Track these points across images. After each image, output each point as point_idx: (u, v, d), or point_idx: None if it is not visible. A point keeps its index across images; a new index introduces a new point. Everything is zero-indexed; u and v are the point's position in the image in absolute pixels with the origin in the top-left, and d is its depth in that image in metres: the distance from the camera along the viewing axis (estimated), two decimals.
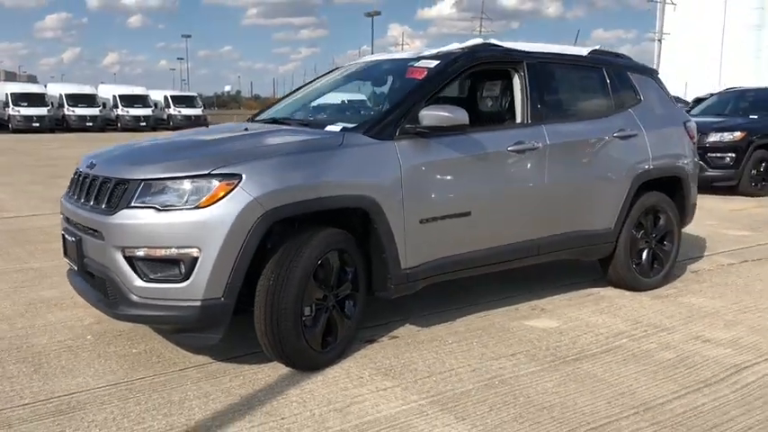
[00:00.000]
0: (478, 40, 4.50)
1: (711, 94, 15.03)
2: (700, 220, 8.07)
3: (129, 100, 38.00)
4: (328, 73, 5.19)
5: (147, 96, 39.15)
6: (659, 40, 52.17)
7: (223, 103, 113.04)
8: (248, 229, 3.25)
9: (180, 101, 40.80)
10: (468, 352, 3.85)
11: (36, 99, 34.09)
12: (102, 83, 46.26)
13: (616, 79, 4.99)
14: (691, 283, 5.39)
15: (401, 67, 4.43)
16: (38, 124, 32.99)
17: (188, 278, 3.23)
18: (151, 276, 3.28)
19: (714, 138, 10.83)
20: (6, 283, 5.23)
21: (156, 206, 3.26)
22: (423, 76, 4.13)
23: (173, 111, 39.50)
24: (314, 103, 4.82)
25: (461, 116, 3.80)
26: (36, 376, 3.47)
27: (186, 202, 3.25)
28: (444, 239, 3.98)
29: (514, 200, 4.29)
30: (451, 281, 4.32)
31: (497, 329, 4.23)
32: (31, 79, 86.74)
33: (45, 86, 39.16)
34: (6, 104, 33.68)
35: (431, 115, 3.79)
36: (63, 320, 4.33)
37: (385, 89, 4.62)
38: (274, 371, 3.54)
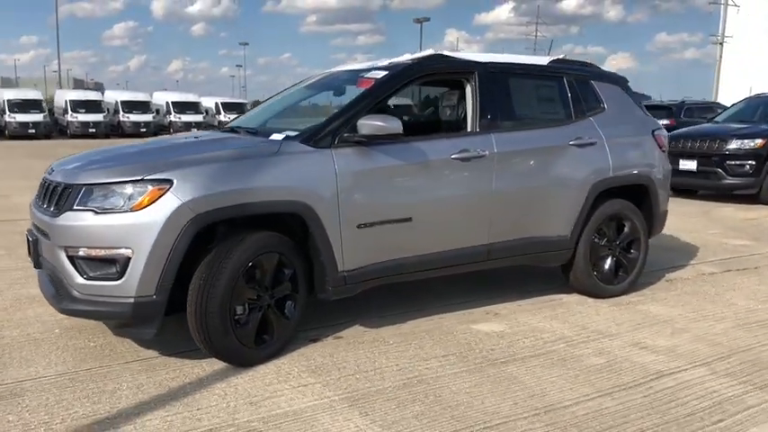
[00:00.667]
0: (430, 51, 4.64)
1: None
2: (704, 229, 8.05)
3: (182, 106, 39.32)
4: (297, 84, 5.41)
5: (198, 103, 40.40)
6: (721, 43, 50.74)
7: None
8: (178, 232, 3.47)
9: (230, 107, 41.81)
10: (402, 353, 3.99)
11: (93, 106, 35.60)
12: (164, 89, 47.82)
13: (577, 88, 5.05)
14: (659, 290, 5.39)
15: (355, 77, 4.61)
16: (94, 130, 34.42)
17: (122, 277, 3.48)
18: (90, 274, 3.54)
19: (734, 145, 10.62)
20: (4, 281, 5.60)
21: (95, 209, 3.52)
22: (368, 86, 4.29)
23: (223, 117, 40.52)
24: (272, 113, 5.04)
25: (395, 125, 3.96)
26: None
27: (121, 205, 3.50)
28: (384, 244, 4.13)
29: (459, 206, 4.40)
30: (417, 284, 4.49)
31: (442, 332, 4.35)
32: (98, 86, 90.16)
33: (103, 94, 40.77)
34: (65, 111, 35.24)
35: (367, 125, 3.96)
36: (39, 315, 4.63)
37: (341, 99, 4.80)
38: (211, 366, 3.75)
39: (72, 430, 3.04)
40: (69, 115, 34.72)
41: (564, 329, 4.42)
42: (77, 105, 35.20)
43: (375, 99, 4.23)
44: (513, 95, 4.81)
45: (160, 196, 3.48)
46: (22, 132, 32.05)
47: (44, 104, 34.96)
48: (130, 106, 37.43)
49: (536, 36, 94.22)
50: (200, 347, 3.73)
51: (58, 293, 3.70)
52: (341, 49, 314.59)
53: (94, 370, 3.72)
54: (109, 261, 3.51)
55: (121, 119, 36.74)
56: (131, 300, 3.48)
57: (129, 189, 3.52)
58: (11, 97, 33.86)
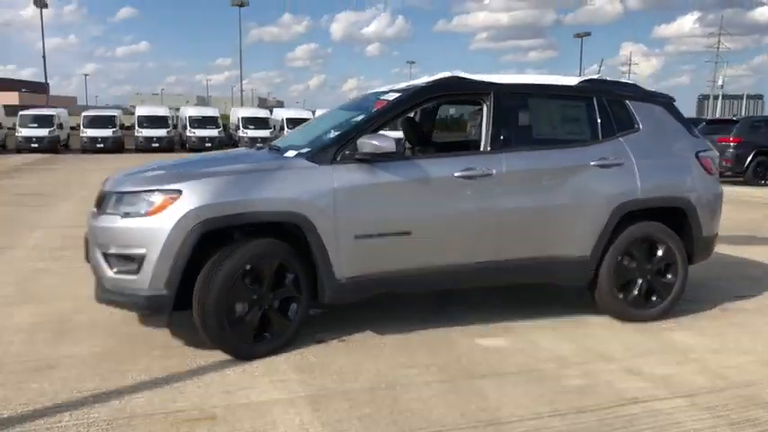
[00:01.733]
0: (445, 74, 4.82)
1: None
2: None
3: (295, 123, 41.06)
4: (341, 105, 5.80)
5: (267, 119, 41.36)
6: None
7: None
8: (184, 235, 3.97)
9: (296, 122, 41.89)
10: (390, 359, 4.22)
11: (261, 122, 38.26)
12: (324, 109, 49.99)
13: (609, 108, 4.98)
14: (702, 319, 5.14)
15: (377, 99, 4.90)
16: (261, 144, 36.88)
17: (139, 272, 4.03)
18: (117, 269, 4.13)
19: None
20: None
21: (122, 213, 4.11)
22: (379, 107, 4.58)
23: (286, 132, 40.96)
24: (304, 131, 5.44)
25: (388, 145, 4.21)
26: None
27: (140, 211, 4.06)
28: (383, 255, 4.38)
29: (463, 223, 4.54)
30: (449, 295, 4.65)
31: (444, 343, 4.52)
32: (279, 104, 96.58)
33: (271, 112, 43.50)
34: (238, 127, 38.16)
35: (364, 143, 4.25)
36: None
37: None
38: (217, 357, 4.19)
39: (73, 400, 3.60)
40: (241, 131, 37.43)
41: (565, 350, 4.41)
42: (248, 122, 37.87)
43: (381, 119, 4.51)
44: (532, 116, 4.85)
45: (171, 204, 4.00)
46: (199, 146, 35.03)
47: (219, 121, 37.98)
48: (295, 123, 39.65)
49: (718, 48, 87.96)
50: (206, 340, 4.20)
51: (97, 285, 4.33)
52: (511, 65, 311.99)
53: (122, 353, 4.30)
54: (130, 258, 4.08)
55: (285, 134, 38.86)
56: (145, 293, 4.03)
57: (147, 197, 4.07)
58: (192, 114, 37.24)
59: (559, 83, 5.06)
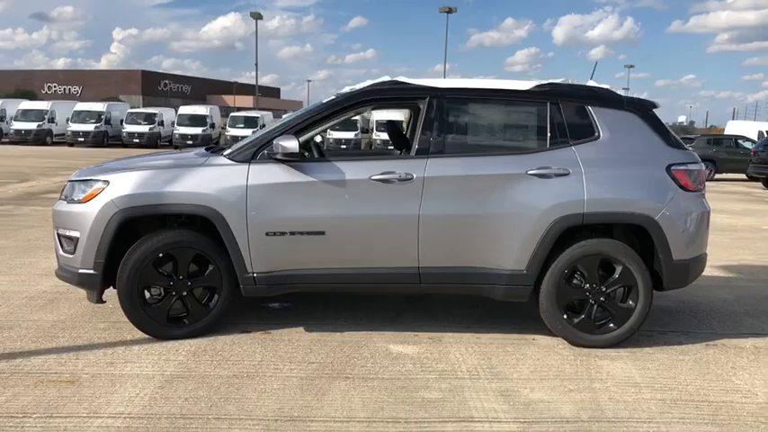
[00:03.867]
0: (385, 78, 4.80)
1: None
2: None
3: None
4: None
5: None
6: None
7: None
8: (106, 222, 4.42)
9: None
10: (281, 353, 4.35)
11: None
12: None
13: (564, 114, 4.63)
14: (667, 351, 4.57)
15: None
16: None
17: (74, 252, 4.56)
18: (63, 249, 4.70)
19: None
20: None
21: (67, 200, 4.67)
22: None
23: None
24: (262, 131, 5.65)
25: (290, 145, 4.34)
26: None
27: (76, 198, 4.58)
28: (297, 253, 4.50)
29: (379, 227, 4.50)
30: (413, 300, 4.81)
31: (352, 345, 4.54)
32: None
33: None
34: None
35: (276, 144, 4.41)
36: None
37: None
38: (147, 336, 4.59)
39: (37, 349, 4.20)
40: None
41: (463, 365, 4.20)
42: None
43: (307, 121, 4.64)
44: (470, 122, 4.67)
45: (98, 193, 4.48)
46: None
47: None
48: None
49: None
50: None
51: (57, 262, 4.94)
52: (756, 68, 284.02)
53: (76, 322, 4.87)
54: (70, 239, 4.62)
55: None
56: (78, 270, 4.54)
57: (84, 186, 4.59)
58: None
59: (509, 87, 4.79)
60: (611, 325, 4.58)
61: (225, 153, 4.64)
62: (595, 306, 4.56)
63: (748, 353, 4.62)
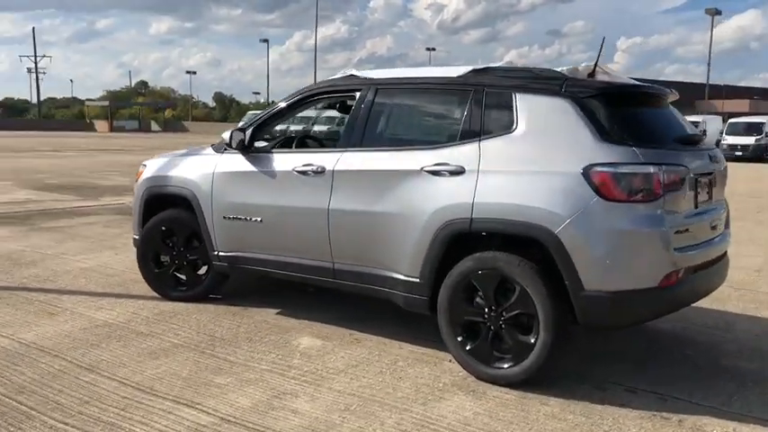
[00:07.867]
0: (344, 72, 4.71)
1: None
2: None
3: None
4: None
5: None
6: None
7: None
8: (141, 196, 5.52)
9: None
10: (224, 328, 4.74)
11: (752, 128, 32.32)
12: None
13: (487, 103, 3.88)
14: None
15: None
16: (740, 153, 30.74)
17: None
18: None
19: None
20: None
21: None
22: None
23: None
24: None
25: (226, 136, 4.76)
26: None
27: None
28: (245, 237, 4.88)
29: (299, 218, 4.54)
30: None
31: (266, 329, 4.74)
32: None
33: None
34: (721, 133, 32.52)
35: (226, 135, 4.87)
36: None
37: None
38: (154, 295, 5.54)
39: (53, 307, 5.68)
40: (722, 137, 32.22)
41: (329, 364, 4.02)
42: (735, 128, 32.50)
43: (268, 116, 4.96)
44: (395, 113, 4.32)
45: (142, 173, 5.60)
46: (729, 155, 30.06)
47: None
48: None
49: None
50: None
51: None
52: None
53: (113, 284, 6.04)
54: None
55: None
56: (134, 236, 5.75)
57: (141, 168, 5.74)
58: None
59: (438, 75, 4.21)
60: (508, 360, 3.74)
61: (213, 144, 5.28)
62: (491, 333, 3.79)
63: None
